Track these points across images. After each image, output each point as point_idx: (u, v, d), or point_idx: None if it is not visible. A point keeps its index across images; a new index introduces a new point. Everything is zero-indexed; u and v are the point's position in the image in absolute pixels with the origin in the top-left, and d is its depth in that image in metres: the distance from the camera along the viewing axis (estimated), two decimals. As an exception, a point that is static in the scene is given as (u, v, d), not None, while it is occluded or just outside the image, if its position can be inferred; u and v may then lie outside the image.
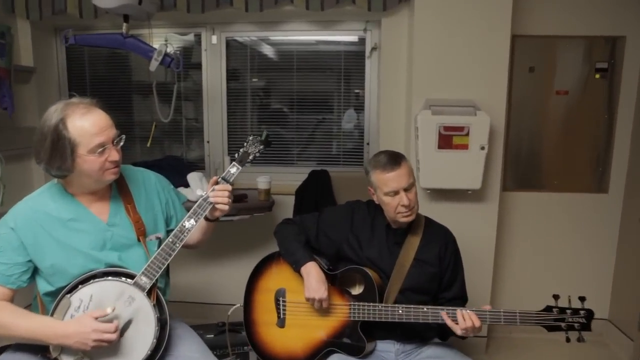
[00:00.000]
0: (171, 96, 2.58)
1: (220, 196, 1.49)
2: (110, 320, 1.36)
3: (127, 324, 1.41)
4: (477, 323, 1.48)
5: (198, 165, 3.05)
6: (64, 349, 1.37)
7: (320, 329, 1.69)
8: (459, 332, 1.50)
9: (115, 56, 3.06)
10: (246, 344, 2.05)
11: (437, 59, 2.40)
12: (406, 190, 1.63)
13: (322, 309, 1.65)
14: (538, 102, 2.70)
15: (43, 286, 1.43)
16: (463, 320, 1.48)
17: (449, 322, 1.51)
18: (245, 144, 1.61)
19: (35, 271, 1.43)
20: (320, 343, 1.68)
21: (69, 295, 1.39)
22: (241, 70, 3.00)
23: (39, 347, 1.40)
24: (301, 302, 1.70)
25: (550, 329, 1.47)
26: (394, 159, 1.65)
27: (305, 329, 1.70)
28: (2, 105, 2.51)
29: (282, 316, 1.74)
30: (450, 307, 1.55)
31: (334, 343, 1.66)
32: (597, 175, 2.74)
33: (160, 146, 3.13)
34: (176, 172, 2.64)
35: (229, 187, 1.52)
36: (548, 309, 1.47)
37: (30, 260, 1.40)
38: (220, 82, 2.96)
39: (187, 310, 2.88)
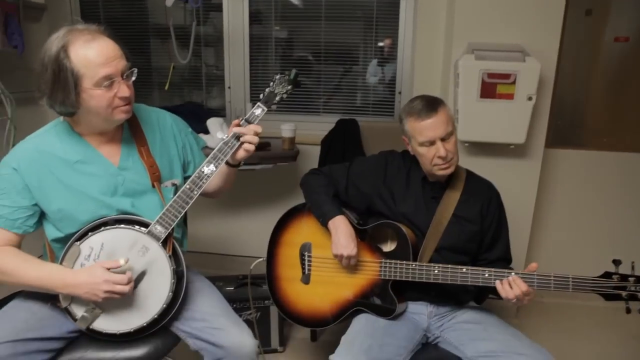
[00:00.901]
0: (190, 40, 2.39)
1: (248, 133, 1.34)
2: (123, 272, 1.25)
3: (141, 276, 1.30)
4: (524, 287, 1.33)
5: (219, 113, 2.89)
6: (74, 299, 1.28)
7: (347, 287, 1.56)
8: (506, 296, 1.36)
9: (131, -5, 2.87)
10: (267, 298, 1.96)
11: (484, -3, 2.15)
12: (443, 139, 1.45)
13: (350, 266, 1.53)
14: (592, 49, 2.43)
15: (51, 232, 1.33)
16: (510, 288, 1.34)
17: (499, 287, 1.37)
18: (271, 83, 1.45)
19: (42, 216, 1.32)
20: (347, 302, 1.56)
21: (78, 243, 1.28)
22: (265, 14, 2.78)
23: (48, 296, 1.31)
24: (328, 258, 1.58)
25: (608, 297, 1.30)
26: (431, 105, 1.47)
27: (331, 286, 1.58)
28: (12, 43, 2.37)
29: (306, 272, 1.63)
30: (496, 270, 1.40)
31: (362, 303, 1.54)
32: (652, 133, 2.50)
33: (180, 92, 2.98)
34: (196, 118, 2.50)
35: (259, 128, 1.37)
36: (607, 275, 1.30)
37: (35, 204, 1.29)
38: (243, 25, 2.75)
39: (207, 261, 2.82)
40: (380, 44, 2.70)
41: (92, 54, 1.19)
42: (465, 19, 2.19)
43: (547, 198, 2.59)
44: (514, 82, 2.05)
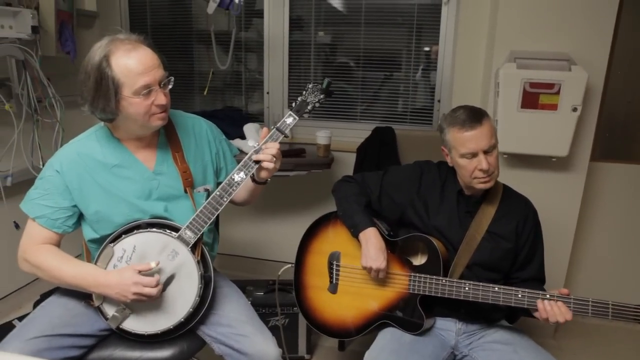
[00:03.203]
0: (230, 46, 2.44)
1: (264, 153, 1.34)
2: (152, 275, 1.29)
3: (170, 279, 1.34)
4: (569, 316, 1.28)
5: (258, 118, 2.94)
6: (106, 299, 1.33)
7: (374, 299, 1.54)
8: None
9: (177, 3, 2.95)
10: (296, 304, 1.96)
11: (528, 2, 2.07)
12: (486, 152, 1.41)
13: (379, 278, 1.51)
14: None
15: (88, 233, 1.39)
16: (551, 309, 1.29)
17: (540, 306, 1.32)
18: (304, 92, 1.45)
19: (81, 217, 1.38)
20: (374, 314, 1.54)
21: (112, 245, 1.33)
22: (306, 20, 2.80)
23: (83, 294, 1.37)
24: (356, 268, 1.56)
25: (652, 327, 1.23)
26: (475, 116, 1.43)
27: (359, 297, 1.57)
28: (65, 49, 2.49)
29: (334, 281, 1.62)
30: (530, 291, 1.34)
31: (388, 316, 1.52)
32: None
33: (222, 97, 3.04)
34: (234, 123, 2.55)
35: (277, 145, 1.37)
36: (652, 303, 1.23)
37: (75, 205, 1.35)
38: (283, 31, 2.78)
39: (240, 264, 2.86)
40: (426, 48, 2.66)
41: (132, 64, 1.24)
42: (508, 26, 2.12)
43: (591, 215, 2.47)
44: (558, 92, 1.97)
